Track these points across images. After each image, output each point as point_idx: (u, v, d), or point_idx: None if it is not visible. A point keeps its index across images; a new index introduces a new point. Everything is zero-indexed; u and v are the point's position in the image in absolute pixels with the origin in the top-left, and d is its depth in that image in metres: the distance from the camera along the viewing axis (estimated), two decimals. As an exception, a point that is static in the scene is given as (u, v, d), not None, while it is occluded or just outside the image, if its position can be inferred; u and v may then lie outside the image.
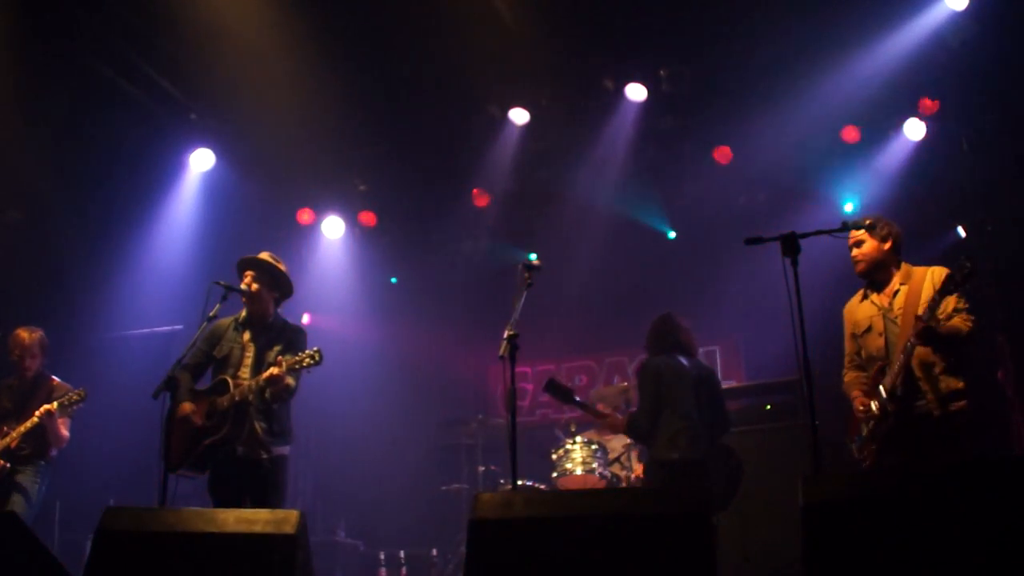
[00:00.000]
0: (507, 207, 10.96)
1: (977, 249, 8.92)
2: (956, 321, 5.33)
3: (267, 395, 5.93)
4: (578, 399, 7.43)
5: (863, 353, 5.73)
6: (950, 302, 5.35)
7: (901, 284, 5.61)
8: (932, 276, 5.47)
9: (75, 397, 7.02)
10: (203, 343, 6.28)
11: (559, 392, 7.28)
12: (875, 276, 5.70)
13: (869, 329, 5.66)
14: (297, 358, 5.85)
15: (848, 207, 9.57)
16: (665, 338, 7.13)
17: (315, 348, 5.86)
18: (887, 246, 5.67)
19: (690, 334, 7.17)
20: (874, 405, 5.44)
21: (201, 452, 5.94)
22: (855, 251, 5.70)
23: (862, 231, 5.66)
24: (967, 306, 5.40)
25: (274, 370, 5.82)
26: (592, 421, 8.28)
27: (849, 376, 5.82)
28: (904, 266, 5.68)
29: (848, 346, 5.87)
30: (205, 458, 5.98)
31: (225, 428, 5.90)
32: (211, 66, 8.69)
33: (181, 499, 5.98)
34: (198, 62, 8.72)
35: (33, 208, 9.68)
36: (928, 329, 5.20)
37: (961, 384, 5.33)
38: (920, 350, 5.32)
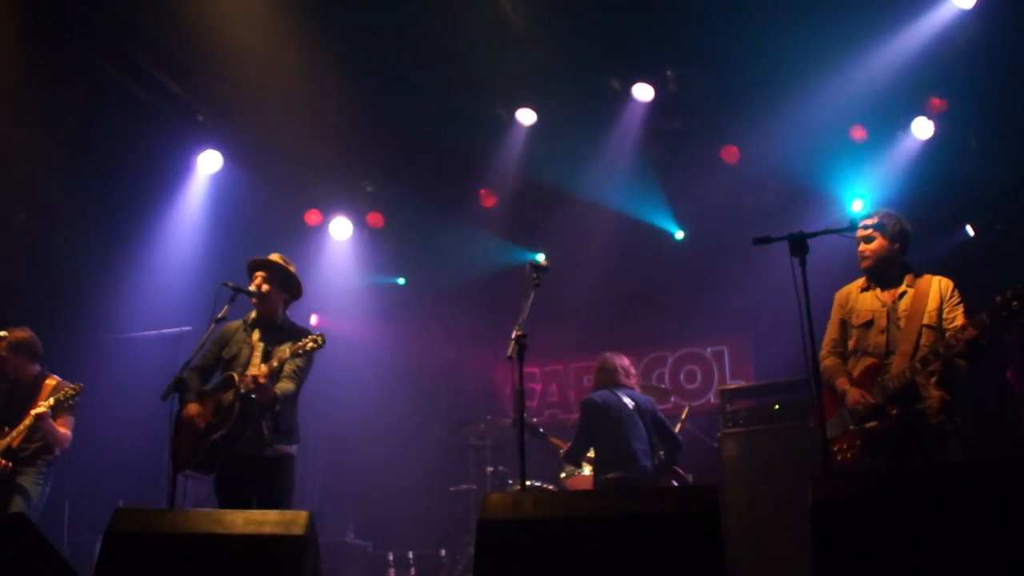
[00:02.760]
0: (514, 208, 10.97)
1: (986, 248, 8.92)
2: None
3: (253, 396, 5.84)
4: (541, 431, 8.79)
5: (852, 343, 5.68)
6: (959, 314, 5.38)
7: (908, 287, 5.59)
8: (940, 285, 5.51)
9: (70, 391, 6.98)
10: (212, 345, 6.29)
11: (528, 430, 8.12)
12: (880, 273, 5.67)
13: (870, 323, 5.61)
14: (300, 343, 5.87)
15: (856, 206, 9.55)
16: (599, 377, 8.02)
17: (318, 333, 5.93)
18: (896, 246, 5.65)
19: (620, 372, 7.95)
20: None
21: (207, 449, 5.88)
22: (864, 246, 5.67)
23: (872, 227, 5.65)
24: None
25: (257, 373, 5.80)
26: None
27: (832, 361, 5.74)
28: (909, 268, 5.68)
29: (834, 332, 5.80)
30: (211, 457, 5.92)
31: (230, 423, 5.87)
32: (218, 68, 8.70)
33: (191, 501, 6.00)
34: (205, 64, 8.73)
35: (41, 211, 9.70)
36: (981, 337, 5.16)
37: (949, 396, 5.33)
38: (924, 354, 5.32)
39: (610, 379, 7.92)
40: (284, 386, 5.98)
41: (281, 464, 6.02)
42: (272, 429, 5.99)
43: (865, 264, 5.69)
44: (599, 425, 7.66)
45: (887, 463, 5.34)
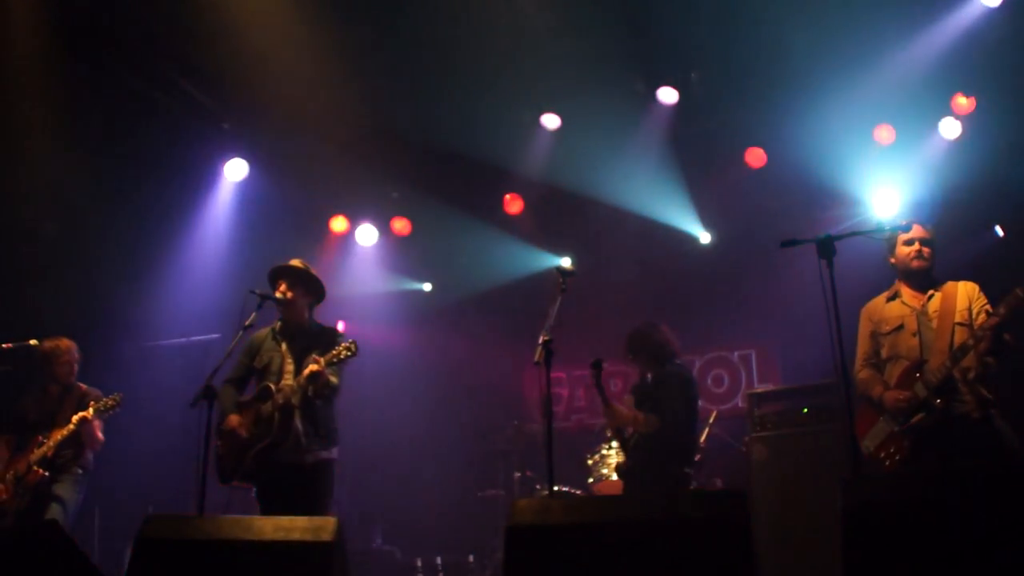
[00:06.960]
0: (540, 212, 10.96)
1: (1015, 249, 8.83)
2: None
3: (310, 392, 5.96)
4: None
5: (885, 352, 5.76)
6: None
7: (935, 291, 5.69)
8: (966, 287, 5.63)
9: (111, 403, 7.08)
10: (243, 356, 6.36)
11: (597, 377, 7.29)
12: (923, 278, 5.76)
13: (900, 328, 5.69)
14: (334, 352, 5.94)
15: (884, 209, 9.47)
16: (665, 347, 7.32)
17: (350, 340, 6.00)
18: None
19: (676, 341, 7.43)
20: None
21: (252, 460, 5.97)
22: (926, 250, 5.72)
23: (930, 231, 5.75)
24: None
25: (314, 366, 5.87)
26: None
27: (867, 373, 5.82)
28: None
29: (865, 346, 5.89)
30: (256, 467, 5.99)
31: (272, 434, 5.95)
32: (243, 76, 8.75)
33: (219, 508, 6.01)
34: (230, 72, 8.79)
35: (69, 219, 9.77)
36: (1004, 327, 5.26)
37: (990, 395, 5.39)
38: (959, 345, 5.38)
39: (668, 348, 7.40)
40: (333, 379, 6.06)
41: (320, 471, 6.07)
42: (311, 435, 6.03)
43: (923, 265, 5.72)
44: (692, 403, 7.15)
45: (934, 464, 5.37)
